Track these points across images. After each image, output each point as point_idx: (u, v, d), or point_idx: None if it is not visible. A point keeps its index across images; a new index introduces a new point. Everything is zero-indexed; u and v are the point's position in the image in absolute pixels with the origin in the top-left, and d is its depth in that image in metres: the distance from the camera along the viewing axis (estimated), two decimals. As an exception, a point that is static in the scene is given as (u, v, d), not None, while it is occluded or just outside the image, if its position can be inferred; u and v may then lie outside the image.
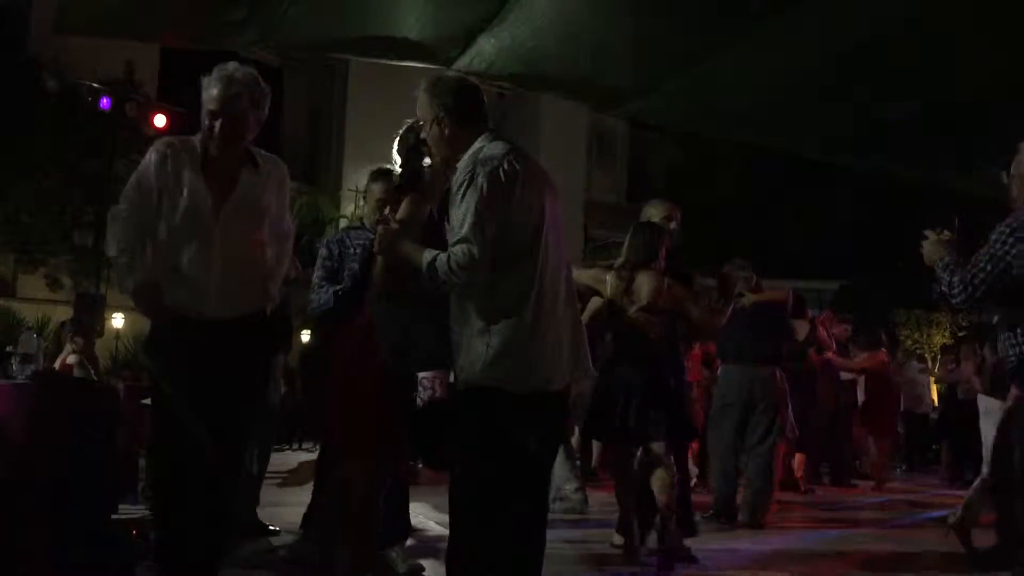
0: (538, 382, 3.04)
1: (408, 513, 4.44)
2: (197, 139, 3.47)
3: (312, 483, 4.92)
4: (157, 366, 3.49)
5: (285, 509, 6.00)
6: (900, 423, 13.45)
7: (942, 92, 4.49)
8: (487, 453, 3.02)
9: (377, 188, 4.31)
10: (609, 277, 4.92)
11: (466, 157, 3.08)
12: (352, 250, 4.39)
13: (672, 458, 4.83)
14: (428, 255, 3.00)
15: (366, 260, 3.90)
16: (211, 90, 3.38)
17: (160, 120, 13.29)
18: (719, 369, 7.27)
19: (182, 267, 3.36)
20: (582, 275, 5.02)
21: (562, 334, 3.12)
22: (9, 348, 5.36)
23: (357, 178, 19.07)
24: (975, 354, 10.85)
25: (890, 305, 22.03)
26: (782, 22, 3.98)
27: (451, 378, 3.19)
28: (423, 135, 3.25)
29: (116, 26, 4.52)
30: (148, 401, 3.89)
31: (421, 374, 3.30)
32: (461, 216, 2.97)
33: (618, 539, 5.17)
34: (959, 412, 10.76)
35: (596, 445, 8.88)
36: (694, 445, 7.42)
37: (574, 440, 7.60)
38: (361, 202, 19.09)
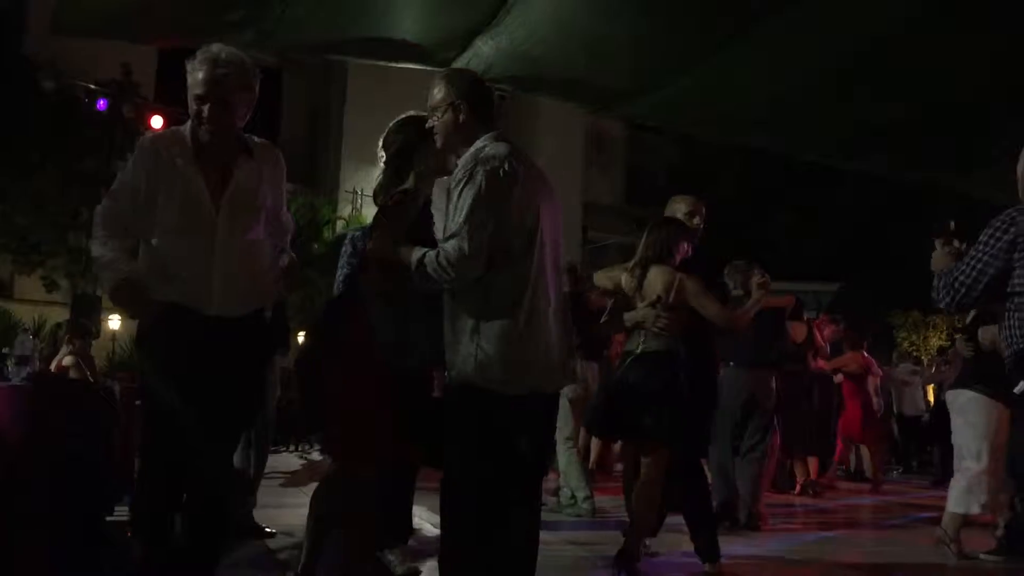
0: (528, 384, 3.06)
1: (411, 516, 4.43)
2: (186, 129, 3.30)
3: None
4: (152, 363, 3.28)
5: (282, 511, 5.99)
6: (895, 425, 13.53)
7: (941, 93, 4.49)
8: (476, 452, 3.03)
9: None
10: (624, 276, 4.82)
11: (467, 155, 3.11)
12: None
13: (660, 467, 4.60)
14: (418, 252, 3.03)
15: (360, 260, 3.89)
16: (196, 74, 3.20)
17: (157, 121, 13.31)
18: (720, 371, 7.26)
19: (182, 262, 3.20)
20: (605, 279, 5.02)
21: (553, 338, 3.13)
22: (5, 350, 5.35)
23: (355, 179, 19.13)
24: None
25: (888, 307, 22.07)
26: (780, 23, 3.97)
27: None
28: (429, 124, 3.24)
29: (113, 28, 4.51)
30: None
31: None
32: (457, 212, 3.00)
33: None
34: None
35: (595, 446, 8.87)
36: None
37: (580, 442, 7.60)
38: (359, 203, 19.16)
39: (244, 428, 3.52)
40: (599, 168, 26.30)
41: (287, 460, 11.82)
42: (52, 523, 3.98)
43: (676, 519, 5.01)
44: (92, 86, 14.49)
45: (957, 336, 6.24)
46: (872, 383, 11.53)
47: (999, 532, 5.72)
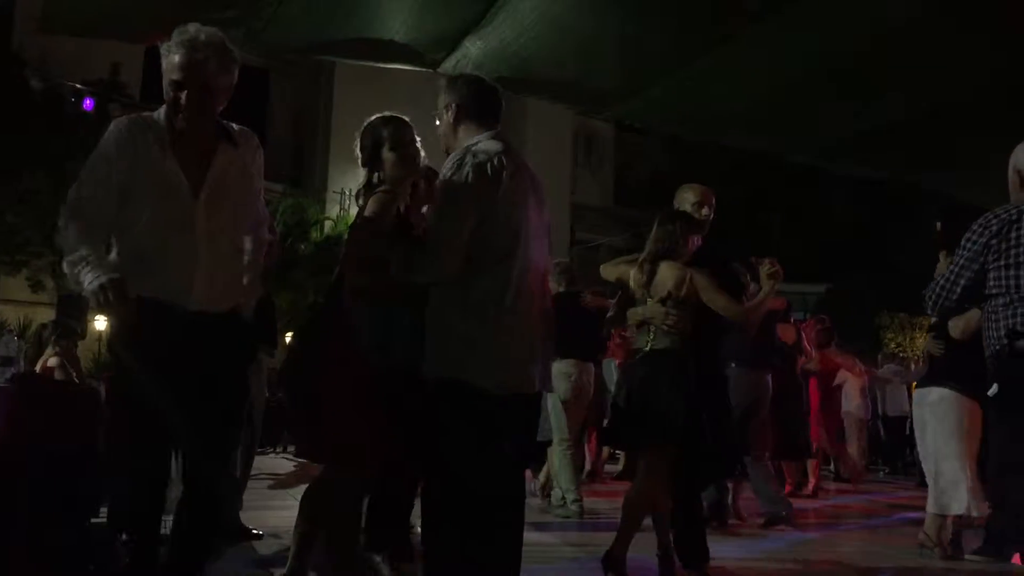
0: (509, 383, 3.06)
1: (407, 523, 4.36)
2: (161, 114, 3.07)
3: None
4: (132, 362, 3.05)
5: (269, 513, 5.97)
6: (880, 426, 13.61)
7: (930, 95, 4.51)
8: (456, 451, 3.02)
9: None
10: (632, 271, 4.64)
11: (460, 149, 3.14)
12: None
13: (659, 469, 4.46)
14: (400, 246, 3.07)
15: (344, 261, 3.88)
16: (173, 57, 2.97)
17: (144, 121, 13.24)
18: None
19: (160, 256, 2.99)
20: (611, 272, 4.84)
21: (535, 339, 3.14)
22: (-10, 350, 5.32)
23: (343, 180, 19.10)
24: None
25: (875, 308, 22.17)
26: (769, 24, 3.99)
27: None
28: (437, 128, 3.28)
29: (102, 27, 4.48)
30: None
31: None
32: (441, 199, 3.04)
33: None
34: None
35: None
36: None
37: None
38: (347, 203, 19.13)
39: (234, 428, 3.37)
40: (588, 169, 26.36)
41: (274, 462, 11.79)
42: (36, 524, 3.96)
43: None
44: (79, 86, 14.42)
45: (927, 335, 6.24)
46: (857, 384, 11.59)
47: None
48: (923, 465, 6.03)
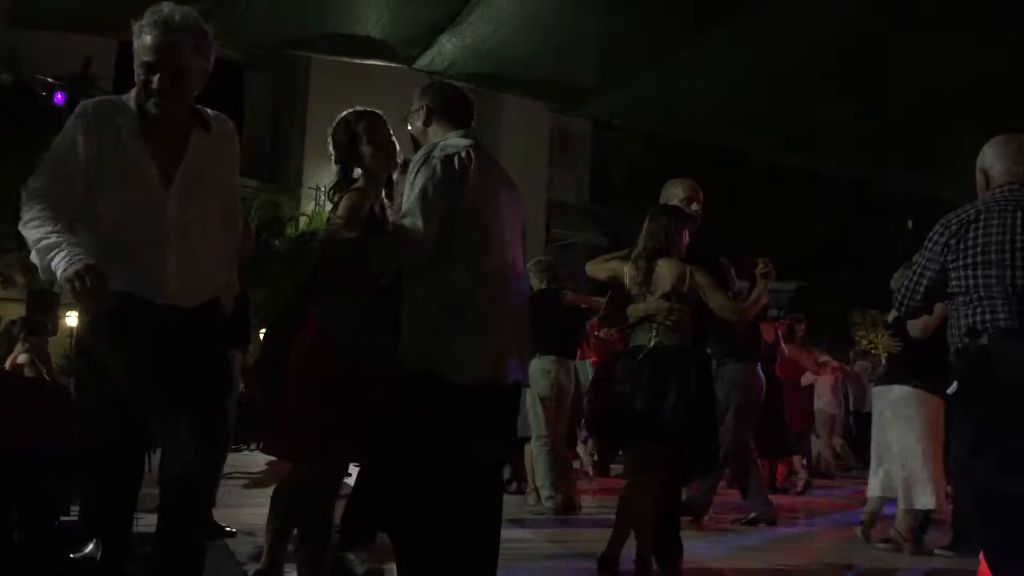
0: (480, 374, 3.08)
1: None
2: (130, 97, 2.89)
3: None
4: (102, 359, 2.90)
5: (242, 511, 5.94)
6: (852, 422, 13.71)
7: (904, 93, 4.54)
8: (427, 442, 3.03)
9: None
10: (627, 268, 4.55)
11: (430, 144, 3.20)
12: None
13: (658, 470, 4.45)
14: (374, 239, 3.13)
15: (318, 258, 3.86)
16: (145, 38, 2.79)
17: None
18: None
19: (130, 247, 2.83)
20: (600, 269, 4.78)
21: (509, 332, 3.16)
22: (-42, 347, 5.26)
23: (318, 176, 19.00)
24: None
25: (847, 306, 22.31)
26: (745, 22, 4.01)
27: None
28: (409, 131, 3.37)
29: (74, 20, 4.44)
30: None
31: None
32: (410, 191, 3.07)
33: None
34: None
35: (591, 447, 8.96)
36: None
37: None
38: (322, 200, 19.05)
39: (212, 426, 3.19)
40: (563, 167, 26.38)
41: (247, 458, 11.71)
42: (4, 522, 3.91)
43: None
44: (50, 80, 14.26)
45: (885, 334, 6.29)
46: (829, 381, 11.67)
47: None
48: (875, 462, 6.07)
